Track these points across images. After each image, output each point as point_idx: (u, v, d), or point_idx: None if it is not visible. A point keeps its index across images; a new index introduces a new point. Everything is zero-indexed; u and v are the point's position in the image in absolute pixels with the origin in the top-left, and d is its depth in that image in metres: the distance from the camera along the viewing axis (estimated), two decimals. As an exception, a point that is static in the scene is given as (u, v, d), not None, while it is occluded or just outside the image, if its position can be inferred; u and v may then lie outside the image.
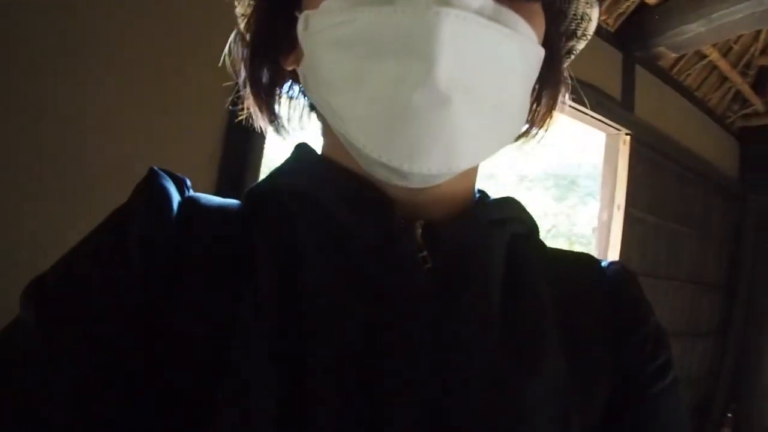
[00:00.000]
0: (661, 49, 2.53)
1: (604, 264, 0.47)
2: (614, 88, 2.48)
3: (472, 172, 0.42)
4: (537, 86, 0.44)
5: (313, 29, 0.35)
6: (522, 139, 0.48)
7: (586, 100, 2.12)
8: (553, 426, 0.35)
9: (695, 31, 2.35)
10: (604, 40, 2.46)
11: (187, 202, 0.39)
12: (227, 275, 0.35)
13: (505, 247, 0.41)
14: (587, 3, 0.44)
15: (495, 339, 0.36)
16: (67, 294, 0.33)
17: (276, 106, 0.46)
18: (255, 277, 0.34)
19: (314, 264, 0.35)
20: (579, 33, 0.47)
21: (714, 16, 2.21)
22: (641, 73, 2.63)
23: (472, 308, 0.36)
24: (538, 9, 0.38)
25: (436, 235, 0.38)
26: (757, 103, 3.42)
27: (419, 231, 0.38)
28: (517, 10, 0.34)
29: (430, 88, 0.30)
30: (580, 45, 0.48)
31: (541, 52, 0.38)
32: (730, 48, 3.06)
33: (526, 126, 0.47)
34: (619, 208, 2.37)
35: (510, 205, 0.44)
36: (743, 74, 3.26)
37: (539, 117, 0.46)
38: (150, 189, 0.38)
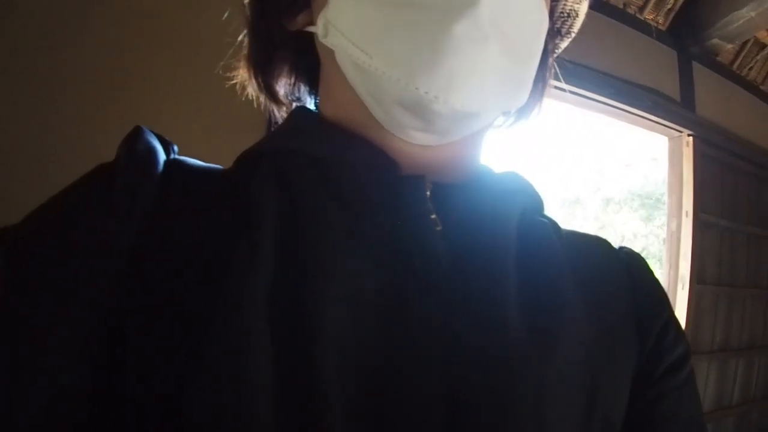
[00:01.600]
0: (715, 41, 2.39)
1: (617, 246, 0.45)
2: (672, 88, 2.35)
3: (479, 140, 0.41)
4: None
5: None
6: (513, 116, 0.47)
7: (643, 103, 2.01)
8: (579, 396, 0.34)
9: (746, 17, 2.21)
10: (657, 39, 2.35)
11: (173, 162, 0.37)
12: (219, 227, 0.33)
13: (517, 218, 0.39)
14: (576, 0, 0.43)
15: (514, 312, 0.33)
16: (45, 242, 0.31)
17: (274, 76, 0.44)
18: (249, 230, 0.32)
19: (316, 221, 0.33)
20: (564, 31, 0.46)
21: None
22: (699, 70, 2.49)
23: (488, 278, 0.34)
24: None
25: (447, 198, 0.37)
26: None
27: (428, 191, 0.36)
28: None
29: (474, 22, 0.30)
30: (564, 44, 0.47)
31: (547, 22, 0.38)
32: (794, 33, 2.88)
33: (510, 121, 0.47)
34: (687, 215, 2.21)
35: (519, 177, 0.43)
36: (812, 60, 3.05)
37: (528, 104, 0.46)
38: (135, 143, 0.36)
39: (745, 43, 2.68)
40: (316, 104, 0.46)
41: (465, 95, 0.31)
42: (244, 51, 0.44)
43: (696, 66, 2.48)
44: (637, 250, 0.44)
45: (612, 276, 0.42)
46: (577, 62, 2.00)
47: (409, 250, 0.33)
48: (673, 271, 2.24)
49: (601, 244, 0.45)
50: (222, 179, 0.38)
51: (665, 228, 2.32)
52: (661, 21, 2.41)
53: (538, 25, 0.35)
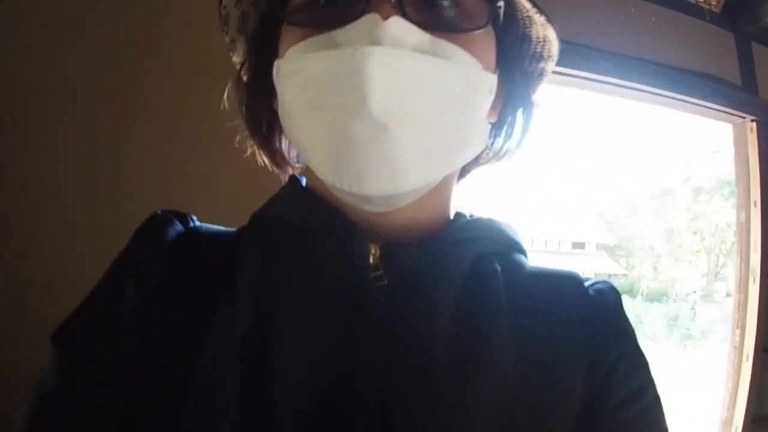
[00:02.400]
0: (773, 19, 2.26)
1: (588, 283, 0.47)
2: (732, 73, 2.24)
3: (437, 196, 0.45)
4: (506, 108, 0.48)
5: (281, 75, 0.40)
6: (496, 157, 0.52)
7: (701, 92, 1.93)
8: (498, 424, 0.38)
9: None
10: (712, 23, 2.25)
11: (187, 234, 0.46)
12: (210, 286, 0.41)
13: (469, 265, 0.43)
14: (543, 25, 0.45)
15: (442, 348, 0.39)
16: (83, 333, 0.41)
17: (277, 143, 0.50)
18: (231, 288, 0.40)
19: (282, 278, 0.41)
20: (545, 54, 0.48)
21: None
22: (759, 50, 2.36)
23: (420, 322, 0.40)
24: (482, 37, 0.41)
25: (396, 255, 0.42)
26: None
27: (376, 251, 0.41)
28: (456, 41, 0.38)
29: (366, 117, 0.34)
30: (550, 66, 0.50)
31: (489, 76, 0.41)
32: None
33: (498, 145, 0.51)
34: (755, 205, 2.10)
35: (482, 224, 0.47)
36: None
37: (513, 135, 0.50)
38: (146, 234, 0.45)
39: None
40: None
41: (376, 182, 0.36)
42: (244, 130, 0.50)
43: (755, 46, 2.35)
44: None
45: (572, 314, 0.44)
46: (628, 54, 1.95)
47: (355, 301, 0.39)
48: (744, 265, 2.13)
49: (569, 281, 0.47)
50: (224, 243, 0.45)
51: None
52: (714, 3, 2.30)
53: (448, 87, 0.38)
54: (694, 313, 14.60)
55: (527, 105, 0.50)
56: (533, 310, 0.44)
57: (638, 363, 0.44)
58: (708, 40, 2.23)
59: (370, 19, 0.35)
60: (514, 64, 0.47)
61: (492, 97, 0.43)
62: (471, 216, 0.48)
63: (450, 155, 0.40)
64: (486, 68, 0.41)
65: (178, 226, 0.46)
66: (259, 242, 0.43)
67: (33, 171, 1.13)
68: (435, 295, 0.41)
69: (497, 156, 0.51)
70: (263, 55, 0.46)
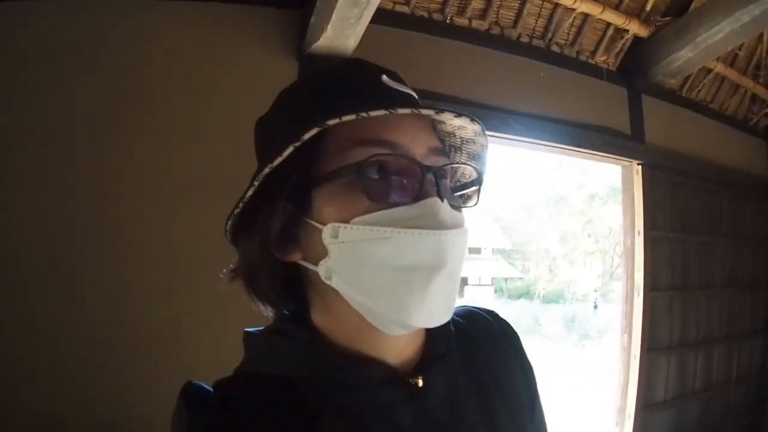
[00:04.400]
0: (659, 78, 2.72)
1: (481, 311, 0.66)
2: (623, 123, 2.69)
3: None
4: None
5: (346, 238, 0.46)
6: None
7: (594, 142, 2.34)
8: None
9: (685, 57, 2.53)
10: (607, 80, 2.67)
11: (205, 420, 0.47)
12: None
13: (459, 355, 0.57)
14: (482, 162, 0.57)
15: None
16: None
17: (261, 286, 0.53)
18: None
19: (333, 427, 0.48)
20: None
21: (698, 40, 2.40)
22: (649, 102, 2.81)
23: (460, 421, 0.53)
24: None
25: (430, 378, 0.53)
26: (777, 100, 3.50)
27: (418, 381, 0.52)
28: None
29: (444, 275, 0.47)
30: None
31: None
32: (736, 55, 3.19)
33: None
34: (639, 234, 2.58)
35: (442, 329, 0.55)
36: (755, 76, 3.35)
37: None
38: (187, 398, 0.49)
39: (694, 67, 2.97)
40: (297, 313, 0.55)
41: (436, 319, 0.49)
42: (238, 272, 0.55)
43: (645, 98, 2.80)
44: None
45: (497, 338, 0.63)
46: (537, 115, 2.35)
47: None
48: (630, 282, 2.62)
49: (477, 314, 0.65)
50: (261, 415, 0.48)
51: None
52: (611, 62, 2.71)
53: (466, 248, 0.50)
54: (597, 309, 15.36)
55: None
56: (481, 346, 0.60)
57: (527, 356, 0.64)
58: (604, 96, 2.66)
59: (433, 203, 0.46)
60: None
61: None
62: None
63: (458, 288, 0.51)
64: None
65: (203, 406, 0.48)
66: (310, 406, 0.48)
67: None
68: (461, 395, 0.54)
69: None
70: (289, 213, 0.50)
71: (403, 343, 0.52)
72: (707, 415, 3.06)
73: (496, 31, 2.34)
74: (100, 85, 1.53)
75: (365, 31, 1.74)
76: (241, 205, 0.50)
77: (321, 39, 1.70)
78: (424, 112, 0.46)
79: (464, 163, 0.55)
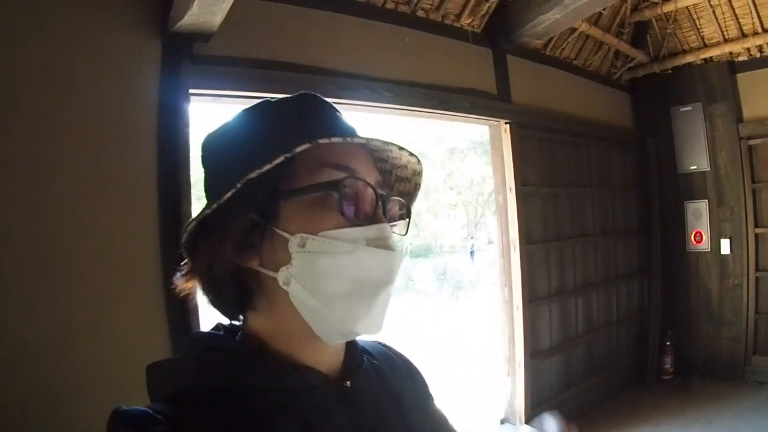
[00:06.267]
0: (525, 39, 2.80)
1: (382, 343, 0.73)
2: (490, 84, 2.76)
3: None
4: None
5: (312, 248, 0.51)
6: None
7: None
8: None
9: (552, 19, 2.61)
10: (473, 42, 2.73)
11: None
12: None
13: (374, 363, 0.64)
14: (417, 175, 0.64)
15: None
16: None
17: (222, 290, 0.56)
18: None
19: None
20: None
21: (567, 2, 2.47)
22: (515, 62, 2.90)
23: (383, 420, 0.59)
24: None
25: (355, 382, 0.59)
26: (639, 56, 3.73)
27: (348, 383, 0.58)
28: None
29: (389, 290, 0.55)
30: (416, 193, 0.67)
31: None
32: (600, 14, 3.36)
33: None
34: (510, 190, 2.67)
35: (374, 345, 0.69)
36: (619, 34, 3.56)
37: None
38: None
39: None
40: (231, 326, 0.60)
41: (375, 329, 0.55)
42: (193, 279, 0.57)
43: (510, 59, 2.89)
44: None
45: (399, 364, 0.70)
46: (405, 81, 2.36)
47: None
48: (505, 237, 2.71)
49: (380, 347, 0.71)
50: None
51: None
52: (477, 24, 2.77)
53: None
54: (474, 255, 16.06)
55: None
56: (389, 370, 0.66)
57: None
58: (470, 58, 2.71)
59: (386, 227, 0.54)
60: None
61: None
62: None
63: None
64: None
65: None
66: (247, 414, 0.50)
67: None
68: (382, 399, 0.60)
69: None
70: (253, 221, 0.53)
71: (333, 352, 0.58)
72: (593, 356, 3.29)
73: (362, -2, 2.30)
74: None
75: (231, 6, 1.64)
76: (215, 206, 0.52)
77: (186, 17, 1.58)
78: (393, 143, 0.56)
79: (398, 198, 0.61)
